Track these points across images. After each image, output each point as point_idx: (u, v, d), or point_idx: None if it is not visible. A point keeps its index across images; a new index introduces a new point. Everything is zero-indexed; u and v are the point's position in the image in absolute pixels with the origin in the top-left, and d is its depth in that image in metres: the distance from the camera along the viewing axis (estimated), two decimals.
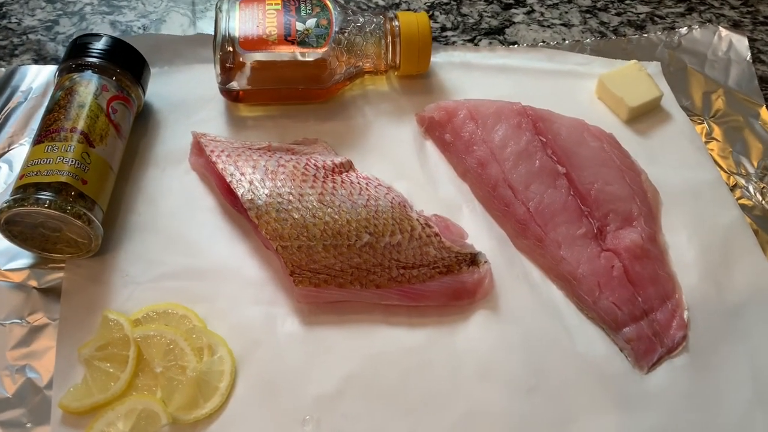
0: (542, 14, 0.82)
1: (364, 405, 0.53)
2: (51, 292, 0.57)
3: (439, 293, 0.57)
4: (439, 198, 0.64)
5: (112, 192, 0.61)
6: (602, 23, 0.81)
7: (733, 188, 0.66)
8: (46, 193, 0.54)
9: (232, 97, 0.68)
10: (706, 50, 0.77)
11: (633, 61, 0.73)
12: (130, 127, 0.64)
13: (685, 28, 0.79)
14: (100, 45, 0.63)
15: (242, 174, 0.59)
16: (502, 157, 0.63)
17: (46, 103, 0.61)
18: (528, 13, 0.82)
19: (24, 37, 0.76)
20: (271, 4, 0.65)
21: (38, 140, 0.57)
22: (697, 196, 0.65)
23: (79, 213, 0.54)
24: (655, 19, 0.82)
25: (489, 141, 0.64)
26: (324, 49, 0.64)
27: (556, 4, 0.83)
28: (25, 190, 0.54)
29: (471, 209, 0.64)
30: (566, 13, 0.82)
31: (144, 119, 0.68)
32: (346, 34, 0.66)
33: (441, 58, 0.74)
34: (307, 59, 0.64)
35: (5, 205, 0.54)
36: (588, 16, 0.82)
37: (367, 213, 0.58)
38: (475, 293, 0.57)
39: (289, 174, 0.59)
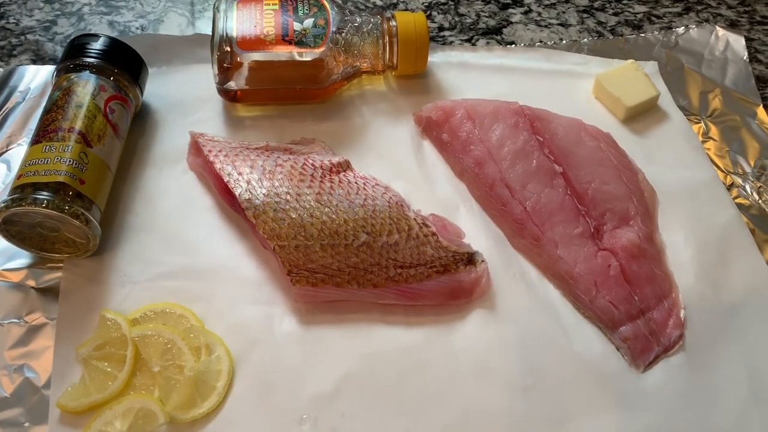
0: (539, 14, 0.82)
1: (361, 404, 0.53)
2: (49, 292, 0.57)
3: (437, 292, 0.57)
4: (437, 197, 0.64)
5: (110, 192, 0.61)
6: (599, 23, 0.81)
7: (729, 187, 0.66)
8: (44, 193, 0.54)
9: (229, 97, 0.68)
10: (703, 50, 0.77)
11: (630, 61, 0.73)
12: (128, 127, 0.64)
13: (682, 27, 0.79)
14: (97, 45, 0.63)
15: (240, 174, 0.59)
16: (499, 156, 0.63)
17: (44, 104, 0.61)
18: (525, 12, 0.82)
19: (22, 38, 0.76)
20: (269, 5, 0.65)
21: (36, 140, 0.57)
22: (694, 196, 0.65)
23: (77, 213, 0.55)
24: (653, 18, 0.82)
25: (486, 140, 0.64)
26: (321, 49, 0.64)
27: (554, 4, 0.83)
28: (22, 189, 0.54)
29: (468, 209, 0.64)
30: (563, 12, 0.82)
31: (142, 119, 0.68)
32: (343, 34, 0.66)
33: (438, 58, 0.74)
34: (304, 59, 0.64)
35: (3, 205, 0.54)
36: (585, 15, 0.82)
37: (364, 212, 0.58)
38: (472, 292, 0.58)
39: (287, 174, 0.59)
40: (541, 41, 0.79)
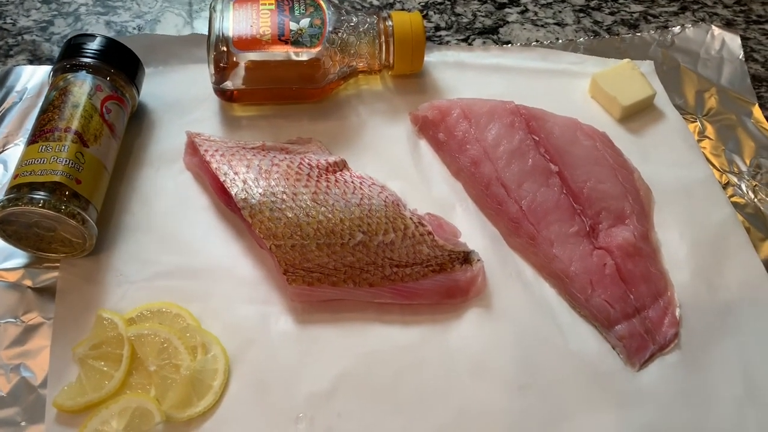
0: (536, 14, 0.82)
1: (357, 403, 0.53)
2: (45, 292, 0.57)
3: (433, 291, 0.57)
4: (433, 197, 0.64)
5: (107, 192, 0.61)
6: (596, 22, 0.82)
7: (725, 186, 0.67)
8: (41, 193, 0.54)
9: (226, 96, 0.68)
10: (699, 49, 0.77)
11: (626, 60, 0.73)
12: (125, 127, 0.65)
13: (679, 27, 0.79)
14: (94, 45, 0.63)
15: (236, 173, 0.59)
16: (495, 155, 0.64)
17: (40, 104, 0.61)
18: (522, 12, 0.82)
19: (19, 38, 0.77)
20: (265, 4, 0.65)
21: (32, 140, 0.57)
22: (690, 194, 0.65)
23: (73, 212, 0.55)
24: (649, 18, 0.83)
25: (482, 140, 0.64)
26: (318, 49, 0.64)
27: (550, 3, 0.84)
28: (19, 189, 0.54)
29: (464, 208, 0.64)
30: (560, 12, 0.83)
31: (138, 119, 0.68)
32: (339, 34, 0.66)
33: (435, 58, 0.74)
34: (300, 59, 0.64)
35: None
36: (581, 15, 0.82)
37: (360, 212, 0.58)
38: (468, 291, 0.58)
39: (283, 173, 0.59)
40: (537, 41, 0.79)
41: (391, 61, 0.69)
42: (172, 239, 0.60)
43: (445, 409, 0.53)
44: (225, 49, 0.63)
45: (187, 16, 0.80)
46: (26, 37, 0.77)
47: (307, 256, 0.56)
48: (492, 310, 0.58)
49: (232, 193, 0.58)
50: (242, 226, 0.61)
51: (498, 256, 0.61)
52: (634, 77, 0.71)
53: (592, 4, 0.84)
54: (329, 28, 0.65)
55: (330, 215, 0.57)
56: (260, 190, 0.58)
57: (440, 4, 0.83)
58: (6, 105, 0.68)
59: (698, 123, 0.72)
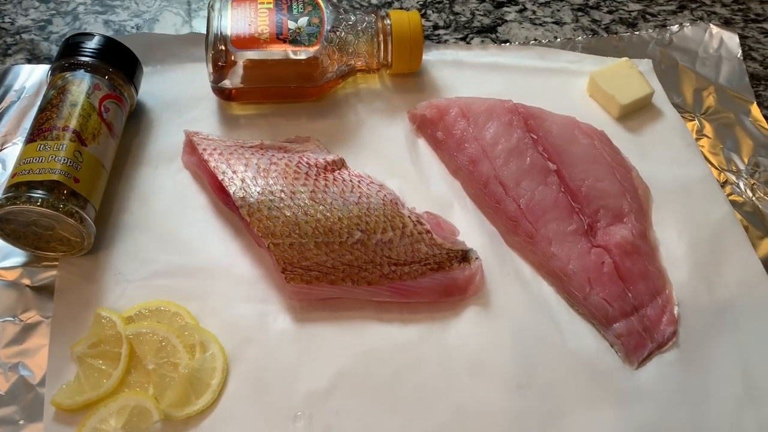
0: (534, 12, 0.82)
1: (355, 401, 0.53)
2: (44, 291, 0.57)
3: (431, 290, 0.57)
4: (431, 195, 0.64)
5: (105, 190, 0.61)
6: (594, 21, 0.82)
7: (723, 184, 0.67)
8: (39, 192, 0.54)
9: (224, 95, 0.68)
10: (697, 48, 0.77)
11: (624, 59, 0.73)
12: (123, 126, 0.65)
13: (677, 25, 0.79)
14: (92, 44, 0.63)
15: (234, 172, 0.59)
16: (494, 154, 0.64)
17: (39, 103, 0.61)
18: (520, 11, 0.82)
19: (17, 37, 0.77)
20: (263, 3, 0.66)
21: (30, 139, 0.57)
22: (688, 193, 0.65)
23: (72, 211, 0.55)
24: (647, 16, 0.83)
25: (480, 138, 0.64)
26: (316, 48, 0.64)
27: (548, 2, 0.84)
28: (17, 188, 0.54)
29: (462, 206, 0.64)
30: (558, 11, 0.83)
31: (137, 118, 0.68)
32: (337, 33, 0.66)
33: (433, 57, 0.74)
34: (299, 57, 0.64)
35: None
36: (580, 14, 0.82)
37: (358, 210, 0.58)
38: (466, 290, 0.58)
39: (281, 172, 0.59)
40: (535, 39, 0.79)
41: (390, 60, 0.69)
42: (170, 238, 0.60)
43: (444, 407, 0.53)
44: (223, 47, 0.63)
45: (186, 15, 0.80)
46: (24, 36, 0.77)
47: (305, 254, 0.56)
48: (490, 309, 0.58)
49: (231, 191, 0.58)
50: (240, 225, 0.61)
51: (496, 254, 0.61)
52: (632, 76, 0.71)
53: (590, 2, 0.84)
54: (327, 26, 0.65)
55: (328, 214, 0.57)
56: (258, 189, 0.58)
57: (438, 2, 0.83)
58: (4, 104, 0.68)
59: (696, 121, 0.72)
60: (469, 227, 0.62)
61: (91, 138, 0.59)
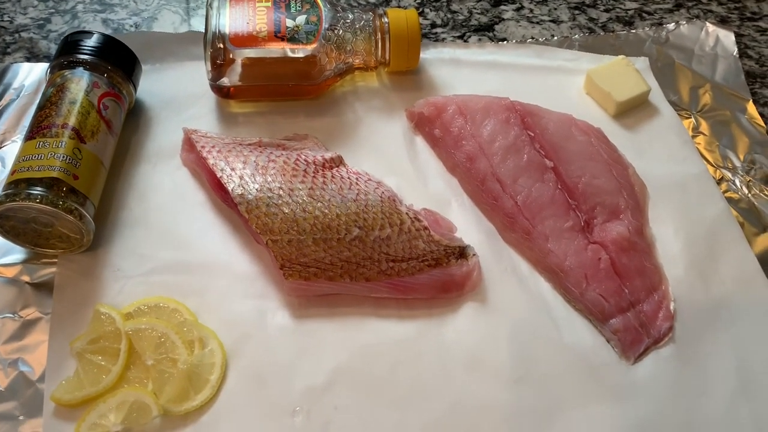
0: (531, 11, 0.83)
1: (353, 396, 0.53)
2: (43, 287, 0.57)
3: (428, 286, 0.58)
4: (429, 192, 0.65)
5: (104, 188, 0.61)
6: (591, 19, 0.82)
7: (719, 181, 0.67)
8: (38, 189, 0.54)
9: (222, 93, 0.68)
10: (693, 46, 0.78)
11: (621, 57, 0.73)
12: (122, 124, 0.65)
13: (673, 23, 0.80)
14: (91, 42, 0.63)
15: (233, 169, 0.59)
16: (491, 151, 0.64)
17: (38, 101, 0.61)
18: (517, 9, 0.83)
19: (16, 35, 0.77)
20: (262, 1, 0.66)
21: (30, 136, 0.58)
22: (684, 190, 0.66)
23: (71, 208, 0.55)
24: (644, 15, 0.83)
25: (478, 136, 0.65)
26: (314, 46, 0.65)
27: (545, 0, 0.84)
28: (16, 185, 0.55)
29: (460, 203, 0.64)
30: (555, 9, 0.83)
31: (135, 116, 0.68)
32: (335, 31, 0.66)
33: (431, 55, 0.74)
34: (297, 56, 0.65)
35: None
36: (577, 12, 0.83)
37: (356, 207, 0.58)
38: (463, 286, 0.58)
39: (280, 169, 0.60)
40: (532, 38, 0.79)
41: (387, 58, 0.69)
42: (169, 235, 0.60)
43: (441, 402, 0.53)
44: (221, 46, 0.64)
45: (184, 14, 0.80)
46: (23, 34, 0.77)
47: (303, 251, 0.56)
48: (487, 305, 0.58)
49: (229, 188, 0.58)
50: (239, 222, 0.61)
51: (493, 250, 0.61)
52: (628, 73, 0.71)
53: (587, 1, 0.84)
54: (325, 25, 0.65)
55: (326, 211, 0.57)
56: (257, 186, 0.58)
57: (436, 1, 0.83)
58: (3, 102, 0.69)
59: (692, 119, 0.72)
60: (467, 224, 0.62)
61: (90, 135, 0.59)
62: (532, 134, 0.65)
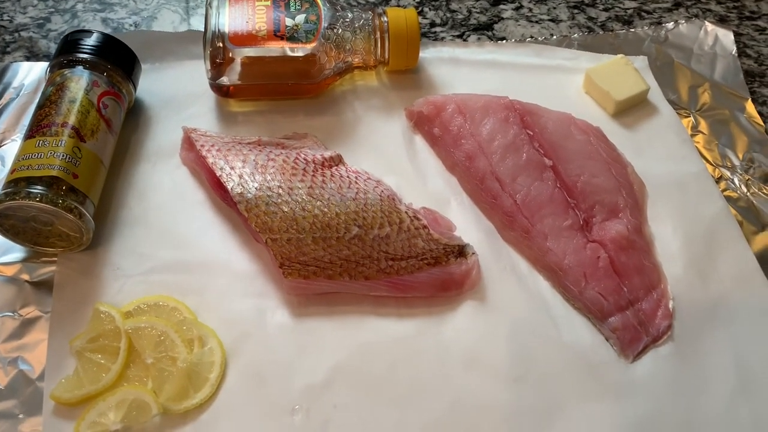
0: (530, 10, 0.83)
1: (353, 395, 0.53)
2: (43, 286, 0.57)
3: (428, 284, 0.58)
4: (428, 191, 0.65)
5: (104, 186, 0.61)
6: (590, 18, 0.82)
7: (718, 180, 0.67)
8: (38, 187, 0.54)
9: (222, 92, 0.68)
10: (692, 45, 0.78)
11: (620, 56, 0.73)
12: (122, 123, 0.65)
13: (672, 23, 0.80)
14: (91, 41, 0.63)
15: (232, 168, 0.59)
16: (490, 150, 0.64)
17: (37, 100, 0.62)
18: (516, 8, 0.83)
19: (16, 35, 0.77)
20: (261, 0, 0.66)
21: (29, 135, 0.58)
22: (683, 188, 0.66)
23: (71, 207, 0.55)
24: (643, 14, 0.83)
25: (477, 135, 0.65)
26: (313, 45, 0.65)
27: None
28: (16, 184, 0.55)
29: (459, 202, 0.64)
30: (554, 8, 0.83)
31: (135, 115, 0.68)
32: (335, 30, 0.66)
33: (430, 54, 0.75)
34: (296, 54, 0.65)
35: None
36: (576, 11, 0.83)
37: (356, 206, 0.58)
38: (462, 284, 0.58)
39: (279, 168, 0.60)
40: (531, 37, 0.79)
41: (387, 57, 0.69)
42: (168, 234, 0.61)
43: (440, 400, 0.53)
44: (221, 45, 0.64)
45: (184, 13, 0.80)
46: (23, 34, 0.77)
47: (302, 249, 0.56)
48: (486, 303, 0.58)
49: (228, 187, 0.58)
50: (238, 221, 0.61)
51: (492, 249, 0.61)
52: (627, 72, 0.71)
53: (586, 0, 0.84)
54: (325, 24, 0.66)
55: (326, 209, 0.58)
56: (256, 185, 0.58)
57: (435, 0, 0.83)
58: (3, 101, 0.69)
59: (691, 118, 0.72)
60: (466, 223, 0.63)
61: (89, 134, 0.59)
62: (531, 133, 0.65)
